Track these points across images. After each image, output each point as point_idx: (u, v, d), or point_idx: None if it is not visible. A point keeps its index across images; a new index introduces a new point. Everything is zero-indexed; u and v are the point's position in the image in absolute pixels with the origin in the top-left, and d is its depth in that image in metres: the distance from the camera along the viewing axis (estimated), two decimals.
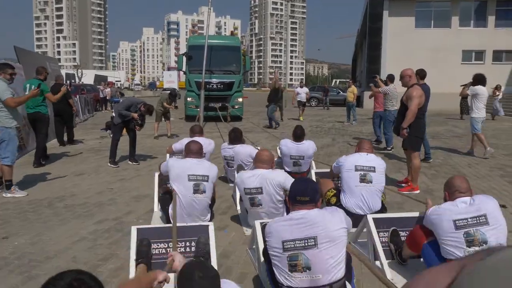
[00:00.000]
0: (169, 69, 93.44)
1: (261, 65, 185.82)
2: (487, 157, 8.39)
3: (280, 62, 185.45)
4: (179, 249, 3.27)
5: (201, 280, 1.72)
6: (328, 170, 6.07)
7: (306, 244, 2.45)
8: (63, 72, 21.81)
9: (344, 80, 73.56)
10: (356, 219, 3.78)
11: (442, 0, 25.97)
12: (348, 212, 3.95)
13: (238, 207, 4.88)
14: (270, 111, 14.45)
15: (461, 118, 18.11)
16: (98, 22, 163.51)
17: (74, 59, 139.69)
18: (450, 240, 2.84)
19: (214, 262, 3.17)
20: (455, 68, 24.90)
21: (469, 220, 2.82)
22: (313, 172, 5.56)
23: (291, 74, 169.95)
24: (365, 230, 3.65)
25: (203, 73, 14.45)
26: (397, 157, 8.50)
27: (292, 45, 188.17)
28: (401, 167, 7.41)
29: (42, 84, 7.27)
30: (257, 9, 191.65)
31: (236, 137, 6.03)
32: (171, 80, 61.17)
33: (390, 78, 9.42)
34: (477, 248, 2.70)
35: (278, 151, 6.48)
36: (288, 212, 4.27)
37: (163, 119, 11.65)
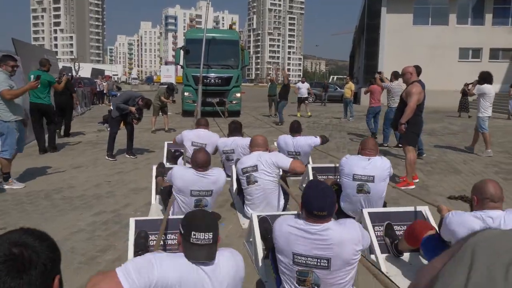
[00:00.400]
0: (166, 63, 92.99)
1: (258, 60, 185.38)
2: (483, 156, 8.41)
3: (278, 58, 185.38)
4: (172, 241, 3.33)
5: (203, 212, 2.13)
6: (325, 165, 6.17)
7: (319, 264, 2.33)
8: (60, 65, 21.71)
9: (342, 76, 73.51)
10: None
11: None
12: (346, 215, 4.01)
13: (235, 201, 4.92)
14: (281, 107, 14.55)
15: (459, 116, 18.18)
16: (96, 16, 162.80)
17: (71, 52, 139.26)
18: None
19: None
20: (452, 66, 25.03)
21: None
22: (310, 167, 5.59)
23: (288, 70, 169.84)
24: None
25: (201, 68, 14.40)
26: (392, 154, 8.55)
27: (290, 41, 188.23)
28: (397, 163, 7.46)
29: (44, 75, 7.27)
30: (255, 4, 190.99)
31: (236, 128, 6.06)
32: (169, 74, 61.16)
33: (395, 75, 9.15)
34: None
35: (275, 143, 6.58)
36: (285, 195, 4.35)
37: (160, 113, 11.66)
